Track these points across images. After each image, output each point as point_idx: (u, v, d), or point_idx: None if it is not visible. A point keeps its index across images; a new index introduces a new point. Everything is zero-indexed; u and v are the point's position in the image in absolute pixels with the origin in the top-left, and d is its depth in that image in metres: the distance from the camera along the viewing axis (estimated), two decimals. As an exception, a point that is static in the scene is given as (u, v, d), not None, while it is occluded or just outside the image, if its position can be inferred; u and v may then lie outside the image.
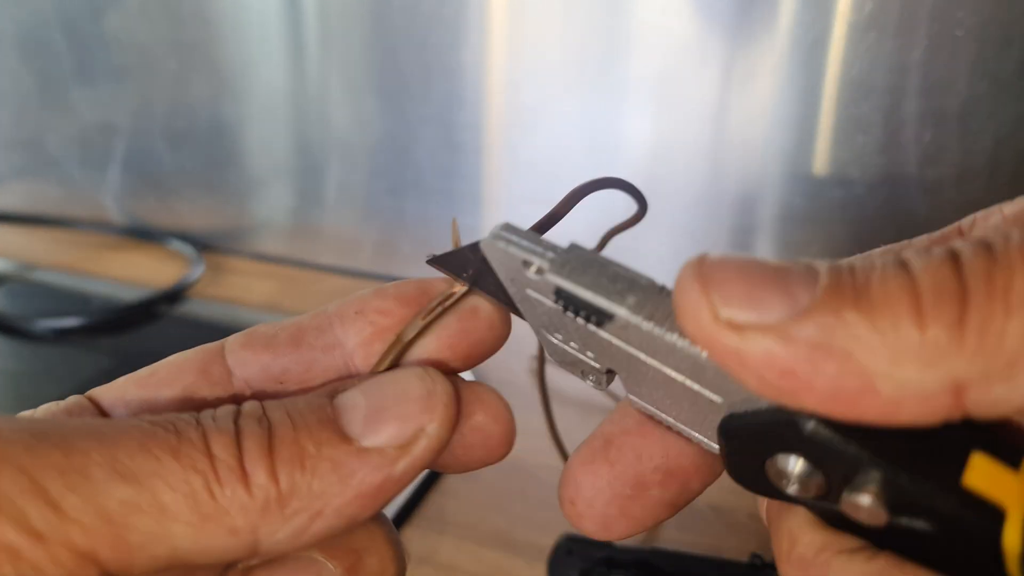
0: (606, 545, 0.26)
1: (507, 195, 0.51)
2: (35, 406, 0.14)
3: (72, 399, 0.14)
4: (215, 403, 0.13)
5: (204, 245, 0.61)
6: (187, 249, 0.58)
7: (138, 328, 0.49)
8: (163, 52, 0.55)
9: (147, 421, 0.12)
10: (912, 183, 0.42)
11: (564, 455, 0.32)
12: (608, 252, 0.56)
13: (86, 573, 0.11)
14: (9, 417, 0.11)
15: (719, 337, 0.10)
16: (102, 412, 0.14)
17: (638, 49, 0.44)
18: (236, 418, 0.12)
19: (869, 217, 0.43)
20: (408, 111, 0.50)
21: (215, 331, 0.50)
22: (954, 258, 0.10)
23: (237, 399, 0.14)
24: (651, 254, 0.49)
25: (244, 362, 0.14)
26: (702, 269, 0.11)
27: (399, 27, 0.48)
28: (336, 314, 0.15)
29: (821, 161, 0.43)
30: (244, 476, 0.11)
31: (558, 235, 0.16)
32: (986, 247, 0.10)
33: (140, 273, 0.57)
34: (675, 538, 0.32)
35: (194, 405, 0.14)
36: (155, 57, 0.56)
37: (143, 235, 0.62)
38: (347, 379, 0.14)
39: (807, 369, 0.10)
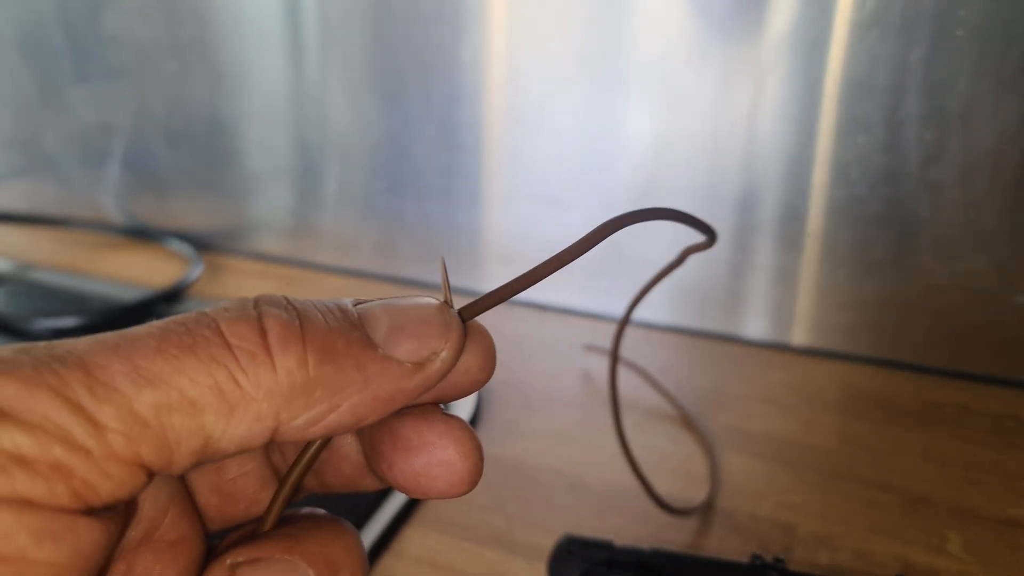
0: (606, 546, 0.26)
1: (506, 194, 0.51)
2: None
3: None
4: None
5: (203, 245, 0.61)
6: (186, 249, 0.58)
7: (137, 328, 0.49)
8: (162, 52, 0.55)
9: (156, 325, 0.12)
10: (913, 182, 0.41)
11: (636, 470, 0.32)
12: (613, 258, 0.56)
13: (135, 477, 0.11)
14: (29, 345, 0.11)
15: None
16: None
17: (638, 47, 0.44)
18: (255, 305, 0.13)
19: (870, 216, 0.43)
20: (407, 110, 0.50)
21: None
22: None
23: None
24: (652, 252, 0.49)
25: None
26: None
27: (398, 26, 0.48)
28: None
29: (822, 160, 0.43)
30: (270, 360, 0.12)
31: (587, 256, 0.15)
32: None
33: (139, 273, 0.57)
34: (675, 539, 0.32)
35: None
36: (154, 57, 0.56)
37: (142, 235, 0.62)
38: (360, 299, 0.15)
39: None
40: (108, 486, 0.11)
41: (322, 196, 0.56)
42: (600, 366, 0.45)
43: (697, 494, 0.34)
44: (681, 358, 0.46)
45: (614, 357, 0.32)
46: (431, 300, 0.14)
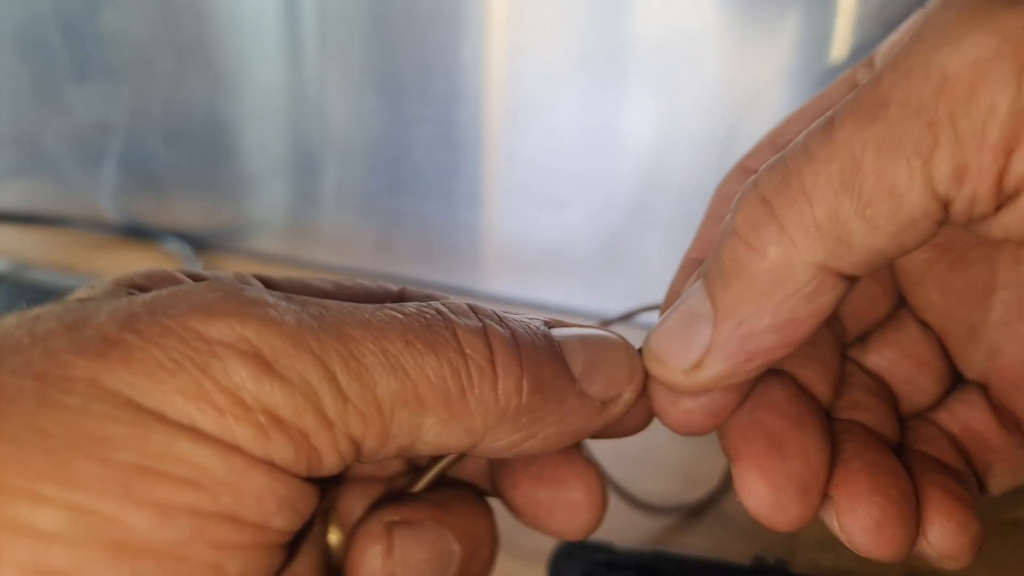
0: (607, 547, 0.26)
1: (506, 193, 0.51)
2: None
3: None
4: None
5: (200, 244, 0.61)
6: (183, 248, 0.59)
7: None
8: (159, 51, 0.56)
9: (397, 311, 0.12)
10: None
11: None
12: (612, 257, 0.56)
13: (350, 456, 0.12)
14: (281, 296, 0.12)
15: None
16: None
17: (638, 45, 0.44)
18: (479, 316, 0.13)
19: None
20: (406, 109, 0.51)
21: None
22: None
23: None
24: (653, 248, 0.49)
25: None
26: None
27: (397, 25, 0.48)
28: None
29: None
30: (495, 379, 0.12)
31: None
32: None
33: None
34: (677, 541, 0.32)
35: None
36: (151, 56, 0.56)
37: (139, 234, 0.62)
38: (552, 321, 0.15)
39: None
40: (332, 461, 0.11)
41: (321, 195, 0.56)
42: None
43: (694, 495, 0.34)
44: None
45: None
46: (619, 339, 0.14)
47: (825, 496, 0.13)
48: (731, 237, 0.12)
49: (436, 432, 0.12)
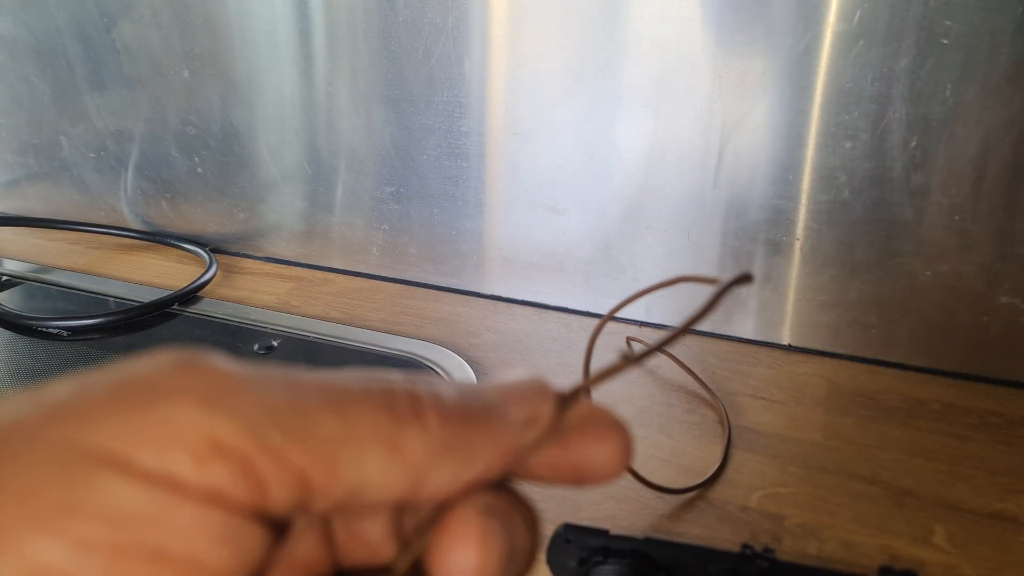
0: (603, 534, 0.27)
1: (508, 200, 0.51)
2: None
3: None
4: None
5: (217, 248, 0.62)
6: (200, 251, 0.59)
7: (153, 327, 0.50)
8: (175, 61, 0.56)
9: (338, 375, 0.14)
10: (898, 188, 0.42)
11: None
12: (608, 260, 0.57)
13: (298, 492, 0.12)
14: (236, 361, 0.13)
15: None
16: None
17: (634, 59, 0.45)
18: (409, 384, 0.14)
19: (856, 220, 0.44)
20: (413, 120, 0.51)
21: (227, 330, 0.51)
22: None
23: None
24: (647, 252, 0.50)
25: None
26: None
27: (404, 39, 0.49)
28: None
29: (809, 166, 0.44)
30: (422, 415, 0.13)
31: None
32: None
33: (155, 275, 0.58)
34: (669, 528, 0.33)
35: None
36: (167, 66, 0.57)
37: (157, 238, 0.63)
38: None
39: None
40: (280, 495, 0.12)
41: (332, 201, 0.57)
42: (596, 364, 0.46)
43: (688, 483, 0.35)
44: (676, 353, 0.47)
45: (589, 352, 0.33)
46: (531, 376, 0.16)
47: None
48: None
49: (379, 469, 0.13)
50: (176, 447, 0.11)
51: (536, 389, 0.15)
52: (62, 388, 0.12)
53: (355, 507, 0.13)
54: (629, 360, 0.15)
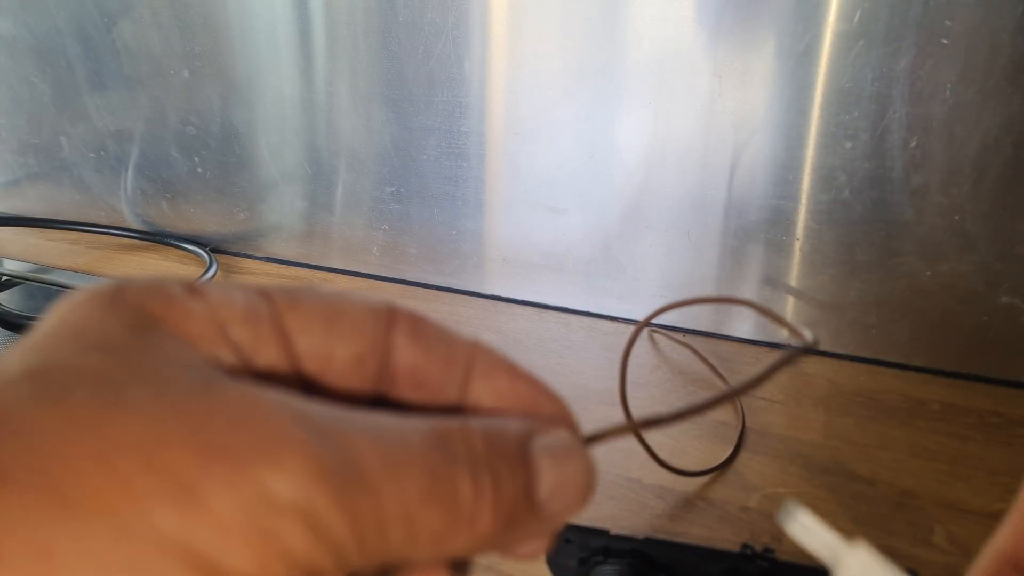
0: (603, 534, 0.27)
1: (507, 200, 0.51)
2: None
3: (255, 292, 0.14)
4: (375, 380, 0.14)
5: (217, 248, 0.62)
6: (200, 252, 0.59)
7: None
8: (175, 61, 0.56)
9: (419, 447, 0.13)
10: (898, 187, 0.42)
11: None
12: (608, 260, 0.57)
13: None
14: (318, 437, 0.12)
15: None
16: (279, 323, 0.14)
17: (634, 59, 0.45)
18: (475, 455, 0.13)
19: (855, 220, 0.44)
20: (413, 120, 0.51)
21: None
22: None
23: (386, 384, 0.15)
24: (646, 252, 0.50)
25: (403, 349, 0.15)
26: None
27: (404, 39, 0.49)
28: (482, 360, 0.16)
29: (809, 166, 0.44)
30: (476, 524, 0.13)
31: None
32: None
33: (155, 275, 0.58)
34: (669, 528, 0.33)
35: (361, 374, 0.14)
36: (167, 66, 0.57)
37: (157, 238, 0.63)
38: (530, 418, 0.15)
39: None
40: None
41: (332, 201, 0.57)
42: (596, 363, 0.46)
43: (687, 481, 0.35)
44: (674, 355, 0.47)
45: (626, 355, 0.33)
46: (585, 463, 0.15)
47: None
48: None
49: (416, 556, 0.12)
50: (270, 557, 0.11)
51: (584, 487, 0.14)
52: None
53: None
54: (641, 424, 0.15)
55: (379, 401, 0.15)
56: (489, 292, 0.55)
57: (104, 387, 0.11)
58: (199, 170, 0.60)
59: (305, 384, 0.14)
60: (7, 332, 0.49)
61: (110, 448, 0.10)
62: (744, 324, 0.49)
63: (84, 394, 0.10)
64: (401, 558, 0.12)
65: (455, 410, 0.15)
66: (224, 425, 0.11)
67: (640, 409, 0.42)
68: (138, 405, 0.11)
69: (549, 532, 0.15)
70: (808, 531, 0.16)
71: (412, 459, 0.12)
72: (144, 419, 0.10)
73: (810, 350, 0.16)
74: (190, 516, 0.10)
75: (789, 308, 0.48)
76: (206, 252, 0.59)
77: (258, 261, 0.61)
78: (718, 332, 0.50)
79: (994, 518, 0.33)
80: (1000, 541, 0.15)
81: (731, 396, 0.15)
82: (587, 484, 0.14)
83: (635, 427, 0.15)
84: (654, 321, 0.51)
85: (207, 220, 0.61)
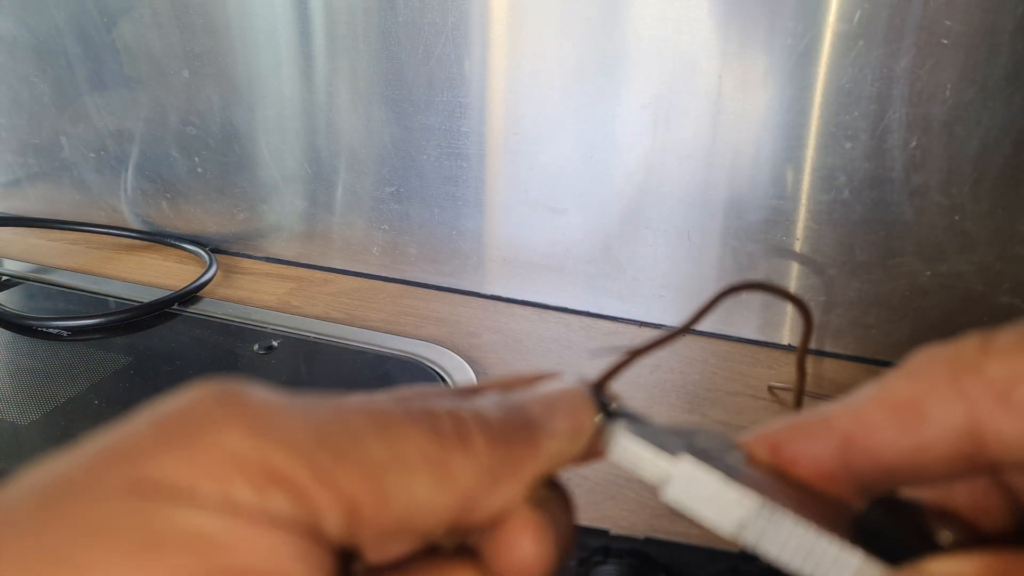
0: (603, 534, 0.27)
1: (508, 200, 0.52)
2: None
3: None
4: None
5: (217, 248, 0.62)
6: (200, 252, 0.59)
7: (153, 327, 0.50)
8: (175, 61, 0.56)
9: (382, 397, 0.14)
10: (897, 188, 0.42)
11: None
12: (608, 260, 0.57)
13: (351, 519, 0.12)
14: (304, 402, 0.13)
15: None
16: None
17: (634, 59, 0.45)
18: (447, 398, 0.15)
19: (856, 220, 0.44)
20: (413, 120, 0.51)
21: (227, 330, 0.51)
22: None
23: None
24: (646, 252, 0.50)
25: None
26: None
27: (404, 39, 0.49)
28: None
29: (809, 166, 0.44)
30: (468, 437, 0.14)
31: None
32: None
33: (155, 275, 0.58)
34: (669, 528, 0.33)
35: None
36: (167, 66, 0.57)
37: (157, 238, 0.63)
38: (513, 378, 0.17)
39: None
40: (333, 520, 0.12)
41: (332, 201, 0.57)
42: (596, 363, 0.46)
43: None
44: (674, 355, 0.48)
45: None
46: (570, 385, 0.16)
47: None
48: None
49: (428, 494, 0.13)
50: (234, 476, 0.11)
51: (577, 399, 0.16)
52: (113, 432, 0.12)
53: (406, 535, 0.13)
54: (634, 352, 0.16)
55: None
56: (489, 292, 0.55)
57: None
58: (199, 170, 0.60)
59: None
60: (7, 332, 0.49)
61: None
62: (746, 324, 0.49)
63: None
64: (408, 490, 0.13)
65: None
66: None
67: (640, 408, 0.42)
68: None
69: (582, 438, 0.15)
70: (630, 453, 0.15)
71: (395, 412, 0.13)
72: None
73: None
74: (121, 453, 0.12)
75: (789, 308, 0.48)
76: (206, 252, 0.59)
77: (258, 261, 0.61)
78: (719, 332, 0.50)
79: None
80: (842, 421, 0.15)
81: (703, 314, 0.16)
82: (578, 398, 0.16)
83: (617, 367, 0.16)
84: (653, 321, 0.51)
85: (207, 220, 0.62)
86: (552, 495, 0.15)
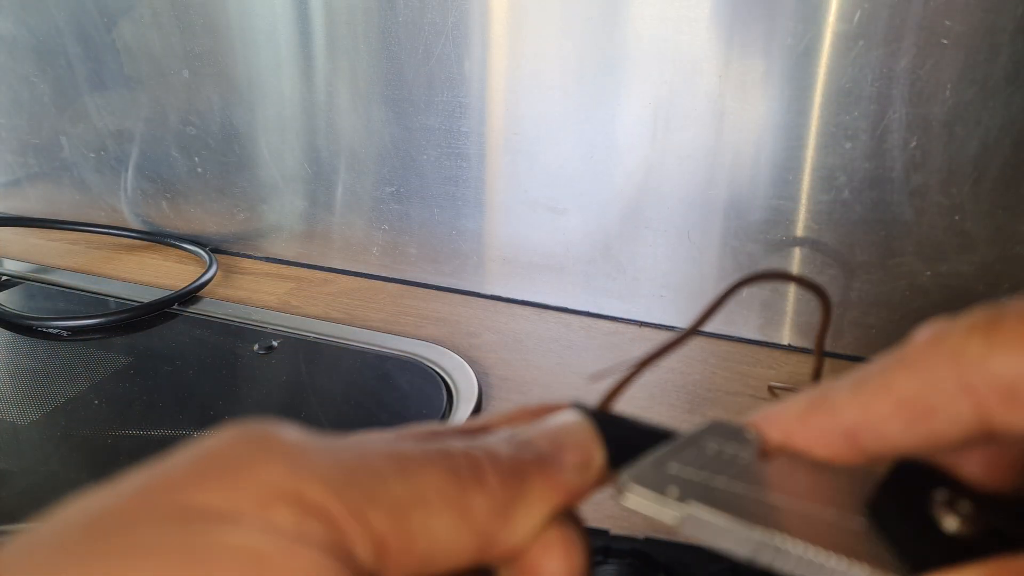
0: (603, 534, 0.27)
1: (509, 201, 0.52)
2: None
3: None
4: None
5: (217, 248, 0.62)
6: (200, 252, 0.60)
7: (153, 327, 0.50)
8: (175, 61, 0.56)
9: (397, 440, 0.15)
10: (898, 187, 0.42)
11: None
12: (608, 260, 0.57)
13: (378, 553, 0.13)
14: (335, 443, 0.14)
15: None
16: None
17: (634, 59, 0.45)
18: (464, 443, 0.15)
19: (856, 220, 0.44)
20: (413, 120, 0.51)
21: (227, 330, 0.51)
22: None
23: None
24: (647, 255, 0.50)
25: None
26: None
27: (404, 39, 0.49)
28: None
29: (809, 166, 0.44)
30: (482, 476, 0.14)
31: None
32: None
33: (155, 275, 0.58)
34: (669, 528, 0.33)
35: None
36: (167, 66, 0.57)
37: (157, 238, 0.63)
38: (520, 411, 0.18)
39: None
40: (363, 553, 0.13)
41: (332, 201, 0.57)
42: (596, 363, 0.46)
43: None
44: (674, 355, 0.48)
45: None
46: (574, 418, 0.17)
47: None
48: None
49: (449, 532, 0.13)
50: (274, 503, 0.12)
51: (584, 433, 0.16)
52: (155, 467, 0.13)
53: (430, 573, 0.14)
54: (640, 364, 0.16)
55: None
56: (489, 292, 0.55)
57: None
58: (199, 170, 0.60)
59: None
60: (7, 332, 0.49)
61: None
62: (746, 324, 0.49)
63: None
64: (429, 529, 0.13)
65: None
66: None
67: (640, 409, 0.42)
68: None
69: (594, 472, 0.16)
70: (640, 506, 0.16)
71: (414, 454, 0.14)
72: None
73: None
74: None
75: (789, 307, 0.48)
76: (206, 252, 0.59)
77: (258, 261, 0.61)
78: (719, 332, 0.50)
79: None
80: (850, 412, 0.15)
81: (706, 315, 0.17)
82: (585, 433, 0.16)
83: (622, 383, 0.16)
84: (653, 321, 0.51)
85: (207, 220, 0.62)
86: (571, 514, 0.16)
